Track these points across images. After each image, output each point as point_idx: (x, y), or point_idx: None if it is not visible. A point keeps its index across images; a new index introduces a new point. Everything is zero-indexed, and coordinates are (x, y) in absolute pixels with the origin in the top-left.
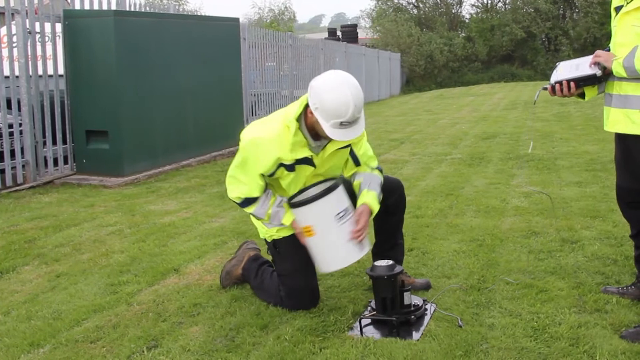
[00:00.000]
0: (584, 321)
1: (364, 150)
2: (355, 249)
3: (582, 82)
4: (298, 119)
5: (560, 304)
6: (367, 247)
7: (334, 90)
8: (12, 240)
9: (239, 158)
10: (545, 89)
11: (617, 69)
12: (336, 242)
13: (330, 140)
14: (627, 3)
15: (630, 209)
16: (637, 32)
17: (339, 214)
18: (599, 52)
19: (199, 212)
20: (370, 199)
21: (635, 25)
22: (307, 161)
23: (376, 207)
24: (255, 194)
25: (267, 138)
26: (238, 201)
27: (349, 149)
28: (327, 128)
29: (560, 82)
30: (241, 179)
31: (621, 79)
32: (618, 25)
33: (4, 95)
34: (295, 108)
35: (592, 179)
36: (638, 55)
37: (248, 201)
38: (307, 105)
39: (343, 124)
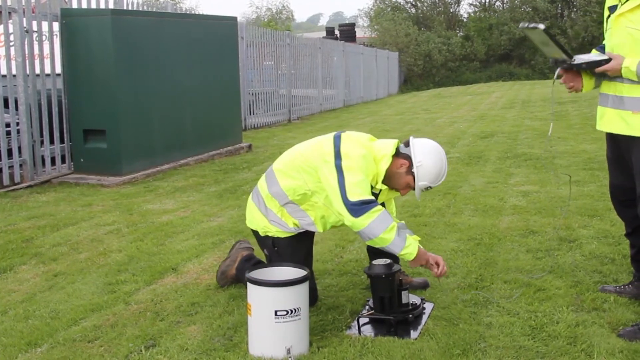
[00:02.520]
0: (581, 320)
1: (392, 204)
2: (281, 351)
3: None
4: None
5: (558, 302)
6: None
7: (439, 160)
8: (9, 240)
9: (359, 174)
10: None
11: (628, 75)
12: (265, 337)
13: (381, 189)
14: (622, 4)
15: (624, 207)
16: (630, 33)
17: (279, 311)
18: (606, 66)
19: (197, 211)
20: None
21: (628, 27)
22: (373, 195)
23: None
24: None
25: (370, 158)
26: (373, 217)
27: None
28: (417, 185)
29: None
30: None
31: (617, 79)
32: (612, 26)
33: (1, 94)
34: (389, 148)
35: (589, 177)
36: None
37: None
38: (397, 153)
39: (428, 188)
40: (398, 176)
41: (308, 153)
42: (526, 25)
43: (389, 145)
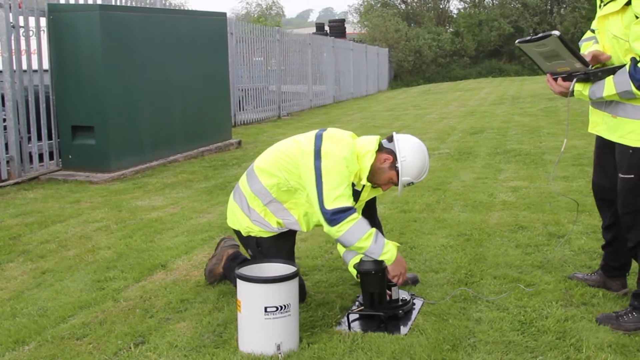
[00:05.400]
0: (570, 315)
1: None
2: (271, 347)
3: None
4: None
5: (547, 297)
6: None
7: (422, 155)
8: None
9: (337, 176)
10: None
11: (579, 96)
12: (255, 333)
13: (365, 186)
14: (604, 4)
15: (603, 204)
16: (612, 38)
17: (269, 308)
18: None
19: (186, 207)
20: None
21: (609, 31)
22: (355, 193)
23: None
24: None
25: (353, 157)
26: (348, 226)
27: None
28: (400, 180)
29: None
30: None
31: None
32: (599, 28)
33: None
34: (372, 144)
35: (578, 173)
36: (607, 86)
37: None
38: (380, 148)
39: (410, 184)
40: (381, 171)
41: (289, 151)
42: (528, 38)
43: (371, 142)
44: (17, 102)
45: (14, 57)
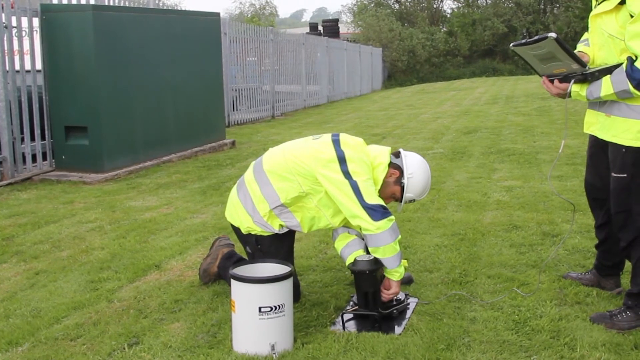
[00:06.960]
0: (564, 314)
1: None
2: (265, 347)
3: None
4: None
5: (541, 297)
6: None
7: (427, 175)
8: None
9: (367, 177)
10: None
11: (576, 97)
12: (249, 334)
13: None
14: (598, 3)
15: (594, 203)
16: (605, 36)
17: (263, 308)
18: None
19: (180, 207)
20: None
21: (604, 29)
22: None
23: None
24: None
25: (369, 164)
26: (390, 224)
27: None
28: (405, 196)
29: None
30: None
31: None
32: (591, 25)
33: None
34: (385, 156)
35: (572, 172)
36: (604, 86)
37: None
38: (390, 164)
39: (411, 201)
40: (386, 185)
41: (303, 157)
42: (524, 41)
43: (384, 153)
44: (9, 102)
45: (6, 57)
